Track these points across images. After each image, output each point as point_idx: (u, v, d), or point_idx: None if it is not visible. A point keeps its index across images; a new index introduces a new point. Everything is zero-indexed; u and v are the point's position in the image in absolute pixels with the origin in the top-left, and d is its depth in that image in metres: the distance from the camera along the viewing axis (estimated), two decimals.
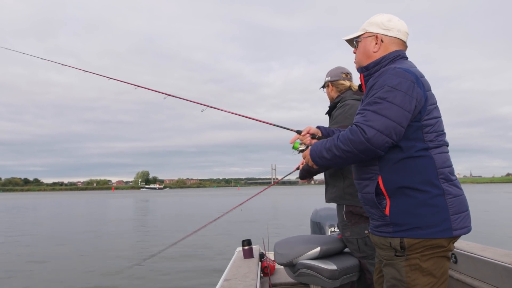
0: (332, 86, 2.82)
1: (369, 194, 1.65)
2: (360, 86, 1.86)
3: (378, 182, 1.62)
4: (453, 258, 2.58)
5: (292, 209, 26.59)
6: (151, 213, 27.18)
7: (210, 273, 7.48)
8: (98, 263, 8.95)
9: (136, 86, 3.13)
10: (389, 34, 1.77)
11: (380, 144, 1.53)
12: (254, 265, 2.86)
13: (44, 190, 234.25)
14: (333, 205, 2.83)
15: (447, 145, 1.68)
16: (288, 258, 2.65)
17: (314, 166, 1.79)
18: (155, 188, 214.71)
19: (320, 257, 2.62)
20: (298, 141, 2.02)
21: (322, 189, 2.97)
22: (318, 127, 2.07)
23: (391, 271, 1.62)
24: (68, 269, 8.33)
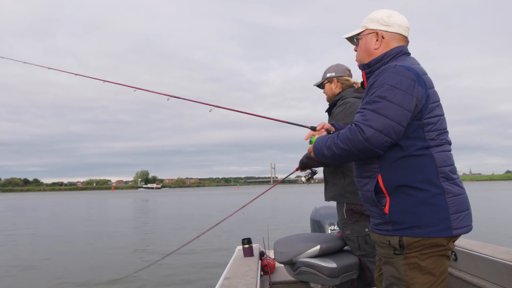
0: (338, 82, 2.81)
1: (369, 192, 1.65)
2: (362, 83, 1.85)
3: (377, 180, 1.62)
4: (453, 255, 2.58)
5: (292, 207, 26.60)
6: (151, 212, 27.16)
7: (210, 272, 7.48)
8: (98, 263, 8.95)
9: (135, 89, 3.10)
10: (389, 30, 1.75)
11: (379, 143, 1.53)
12: (254, 263, 2.87)
13: (44, 190, 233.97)
14: (333, 204, 2.83)
15: (450, 144, 1.66)
16: (288, 256, 2.66)
17: (313, 155, 1.79)
18: (152, 188, 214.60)
19: (320, 255, 2.63)
20: (315, 136, 2.01)
21: (321, 188, 2.97)
22: (332, 124, 2.04)
23: (390, 269, 1.62)
24: (68, 269, 8.32)
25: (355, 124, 1.57)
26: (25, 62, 3.74)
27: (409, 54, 1.76)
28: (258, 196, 3.39)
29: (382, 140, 1.52)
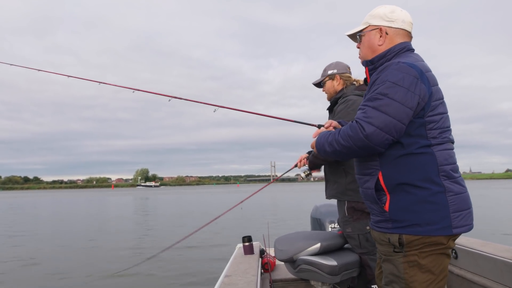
0: (340, 78, 2.80)
1: (369, 190, 1.65)
2: (365, 79, 1.83)
3: (378, 177, 1.61)
4: (453, 253, 2.58)
5: (292, 205, 26.61)
6: (151, 210, 27.18)
7: (210, 270, 7.49)
8: (98, 260, 8.96)
9: (134, 90, 3.05)
10: (393, 26, 1.73)
11: (379, 141, 1.52)
12: (254, 261, 2.87)
13: (44, 188, 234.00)
14: (334, 202, 2.83)
15: (452, 142, 1.65)
16: (289, 254, 2.66)
17: (315, 151, 1.79)
18: (151, 186, 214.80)
19: (320, 253, 2.63)
20: None
21: (321, 186, 2.97)
22: (339, 122, 2.03)
23: (390, 267, 1.62)
24: (68, 267, 8.33)
25: (356, 121, 1.56)
26: (11, 64, 3.66)
27: (413, 50, 1.74)
28: (256, 192, 3.38)
29: (382, 137, 1.51)
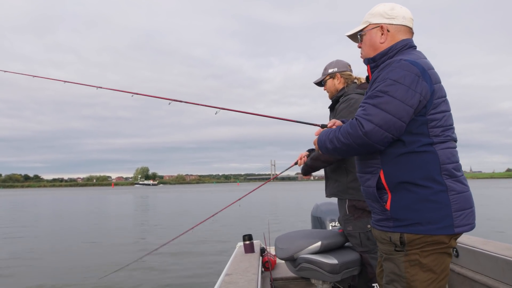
0: (341, 77, 2.78)
1: (371, 188, 1.64)
2: (367, 77, 1.81)
3: (379, 176, 1.60)
4: (454, 252, 2.58)
5: (293, 204, 26.62)
6: (151, 208, 27.20)
7: (211, 268, 7.49)
8: (98, 258, 8.96)
9: (133, 94, 2.98)
10: (394, 23, 1.71)
11: (378, 139, 1.51)
12: (255, 260, 2.86)
13: (44, 186, 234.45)
14: (334, 200, 2.82)
15: (455, 140, 1.63)
16: (289, 252, 2.65)
17: (317, 148, 1.80)
18: (149, 184, 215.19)
19: (321, 251, 2.62)
20: None
21: (322, 184, 2.96)
22: (342, 121, 2.01)
23: (391, 265, 1.61)
24: (68, 265, 8.34)
25: (356, 119, 1.56)
26: (5, 71, 3.64)
27: (415, 47, 1.72)
28: (256, 188, 3.38)
29: (382, 135, 1.50)
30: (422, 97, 1.52)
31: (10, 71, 3.62)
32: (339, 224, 2.85)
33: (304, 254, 2.62)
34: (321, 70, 2.90)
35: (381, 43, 1.72)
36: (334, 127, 1.88)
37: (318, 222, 3.47)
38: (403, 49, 1.68)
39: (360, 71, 2.83)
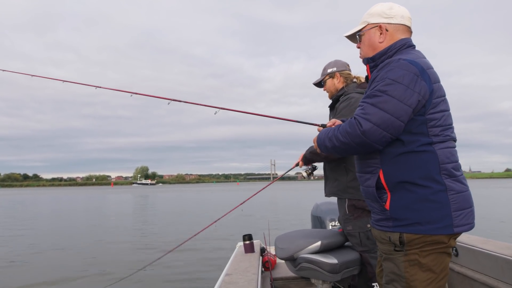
0: (340, 76, 2.79)
1: (370, 188, 1.64)
2: (367, 77, 1.82)
3: (379, 175, 1.61)
4: (454, 251, 2.58)
5: (293, 204, 26.62)
6: (151, 208, 27.17)
7: (211, 268, 7.49)
8: (98, 257, 8.96)
9: (132, 93, 2.97)
10: (392, 22, 1.71)
11: (376, 138, 1.51)
12: (255, 259, 2.87)
13: (44, 185, 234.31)
14: (334, 200, 2.83)
15: (454, 140, 1.63)
16: (289, 252, 2.66)
17: (316, 146, 1.80)
18: (147, 184, 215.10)
19: (321, 251, 2.63)
20: None
21: (321, 184, 2.96)
22: (342, 120, 2.01)
23: (390, 265, 1.61)
24: (68, 264, 8.34)
25: (354, 117, 1.56)
26: (3, 70, 3.62)
27: (414, 46, 1.73)
28: (256, 193, 3.38)
29: (380, 134, 1.51)
30: (421, 97, 1.52)
31: (8, 70, 3.60)
32: (339, 224, 2.86)
33: (304, 254, 2.62)
34: (321, 70, 2.90)
35: (380, 42, 1.73)
36: (333, 126, 1.90)
37: (318, 221, 3.47)
38: (402, 48, 1.68)
39: (360, 70, 2.82)
